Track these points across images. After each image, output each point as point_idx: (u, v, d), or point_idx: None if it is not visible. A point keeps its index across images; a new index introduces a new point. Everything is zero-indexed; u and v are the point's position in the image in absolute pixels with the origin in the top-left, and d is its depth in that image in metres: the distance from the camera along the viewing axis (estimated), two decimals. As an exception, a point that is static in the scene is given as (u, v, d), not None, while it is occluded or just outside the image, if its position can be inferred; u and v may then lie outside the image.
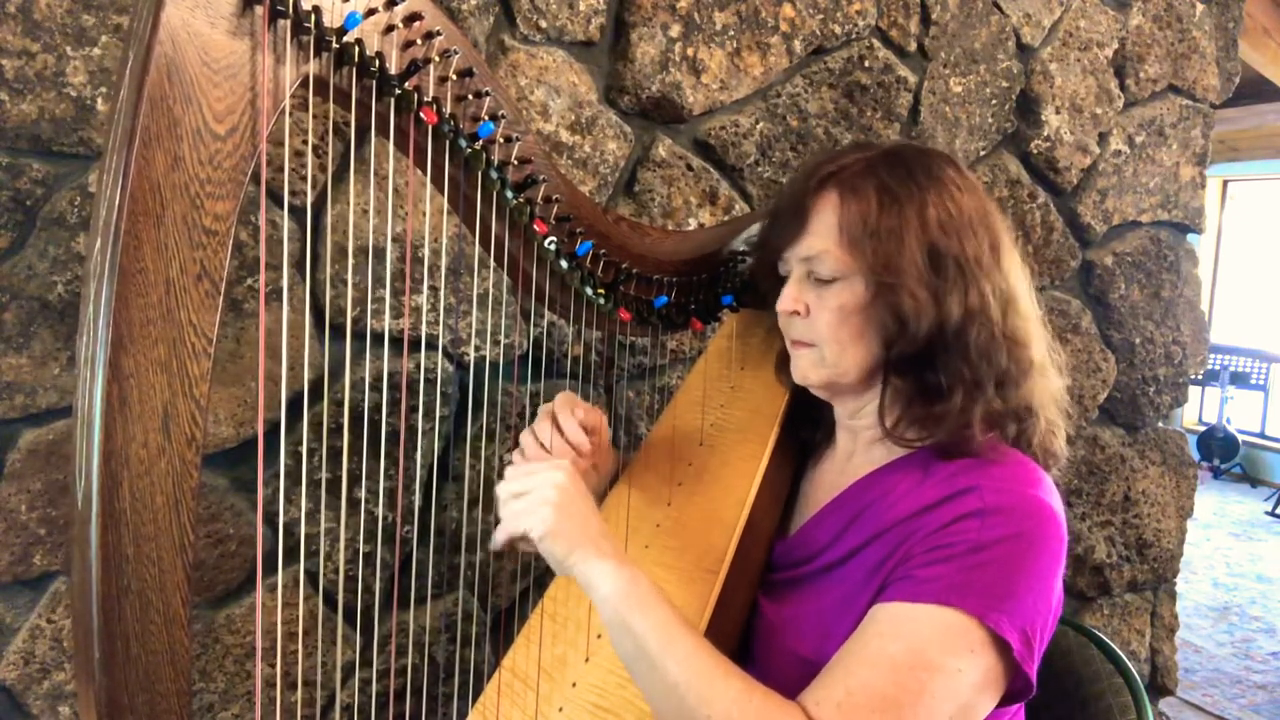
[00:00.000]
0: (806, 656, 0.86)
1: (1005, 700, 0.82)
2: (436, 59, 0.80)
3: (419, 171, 0.84)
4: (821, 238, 0.89)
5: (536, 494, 0.81)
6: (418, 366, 1.41)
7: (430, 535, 1.45)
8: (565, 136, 1.47)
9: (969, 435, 0.86)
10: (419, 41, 0.78)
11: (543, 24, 1.43)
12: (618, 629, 0.79)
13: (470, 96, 0.84)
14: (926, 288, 0.85)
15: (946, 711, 0.76)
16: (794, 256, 0.92)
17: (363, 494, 1.39)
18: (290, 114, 1.26)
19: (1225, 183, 6.60)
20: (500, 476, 0.86)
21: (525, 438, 1.01)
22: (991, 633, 0.77)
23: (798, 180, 0.94)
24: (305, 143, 1.30)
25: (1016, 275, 0.91)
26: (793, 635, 0.90)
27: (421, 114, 0.80)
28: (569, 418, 1.01)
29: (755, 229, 1.08)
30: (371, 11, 0.75)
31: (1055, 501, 0.84)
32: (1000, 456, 0.87)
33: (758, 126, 1.63)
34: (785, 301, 0.92)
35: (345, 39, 0.73)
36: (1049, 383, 0.92)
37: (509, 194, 0.90)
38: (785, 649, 0.89)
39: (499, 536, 0.83)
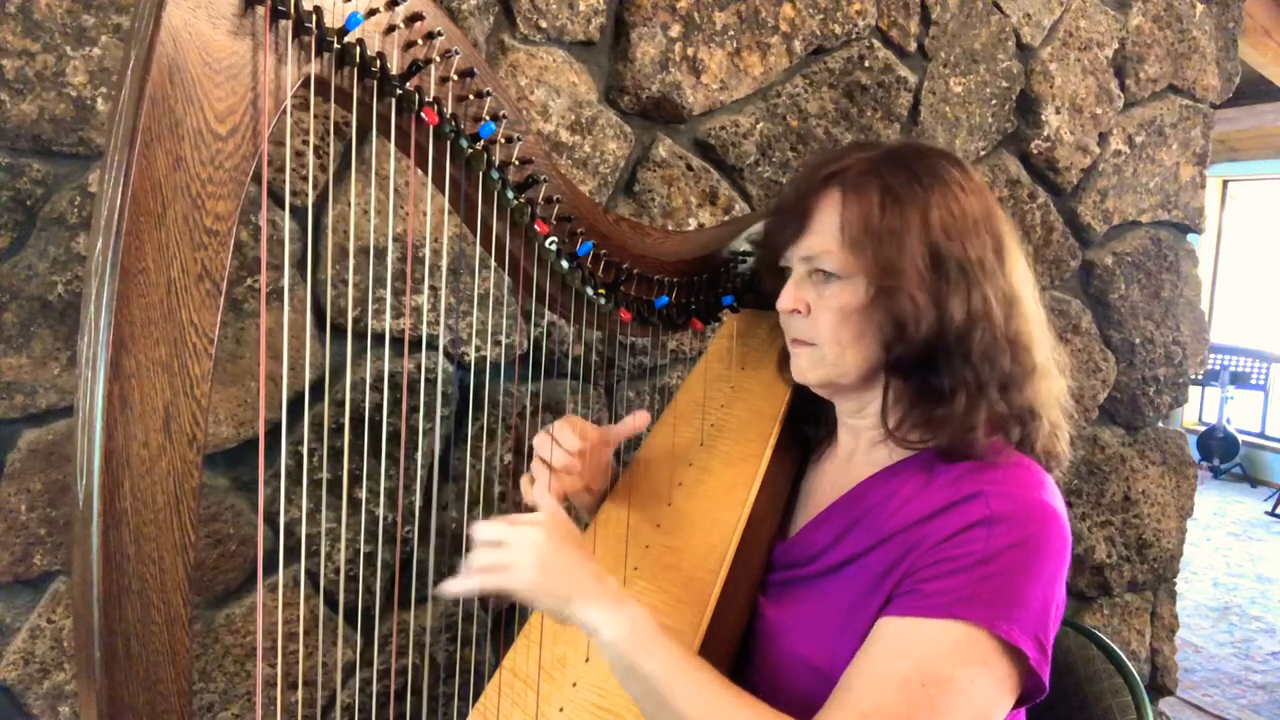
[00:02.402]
0: (808, 660, 0.86)
1: (1019, 702, 0.82)
2: (438, 59, 0.80)
3: (420, 172, 0.84)
4: (823, 237, 0.88)
5: (516, 552, 0.79)
6: (418, 366, 1.41)
7: (430, 535, 1.45)
8: (565, 136, 1.47)
9: (973, 438, 0.85)
10: (420, 42, 0.78)
11: (543, 24, 1.43)
12: (623, 673, 0.79)
13: (471, 97, 0.84)
14: (927, 290, 0.85)
15: None
16: (795, 255, 0.91)
17: (363, 494, 1.39)
18: (290, 114, 1.26)
19: (1225, 183, 6.60)
20: (500, 481, 0.85)
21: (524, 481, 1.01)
22: (1003, 641, 0.77)
23: (801, 179, 0.94)
24: (306, 143, 1.30)
25: (1021, 277, 0.90)
26: (793, 637, 0.89)
27: (423, 114, 0.80)
28: (563, 431, 1.01)
29: (758, 228, 1.07)
30: (373, 12, 0.75)
31: (1059, 504, 0.84)
32: (1003, 459, 0.87)
33: (758, 126, 1.63)
34: (785, 300, 0.92)
35: (346, 39, 0.73)
36: (1052, 385, 0.91)
37: (510, 194, 0.89)
38: (786, 651, 0.89)
39: (468, 585, 0.80)
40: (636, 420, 1.03)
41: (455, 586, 0.80)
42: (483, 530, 0.81)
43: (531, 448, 1.01)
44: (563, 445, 1.00)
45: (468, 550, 0.80)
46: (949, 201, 0.87)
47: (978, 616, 0.77)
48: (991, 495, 0.82)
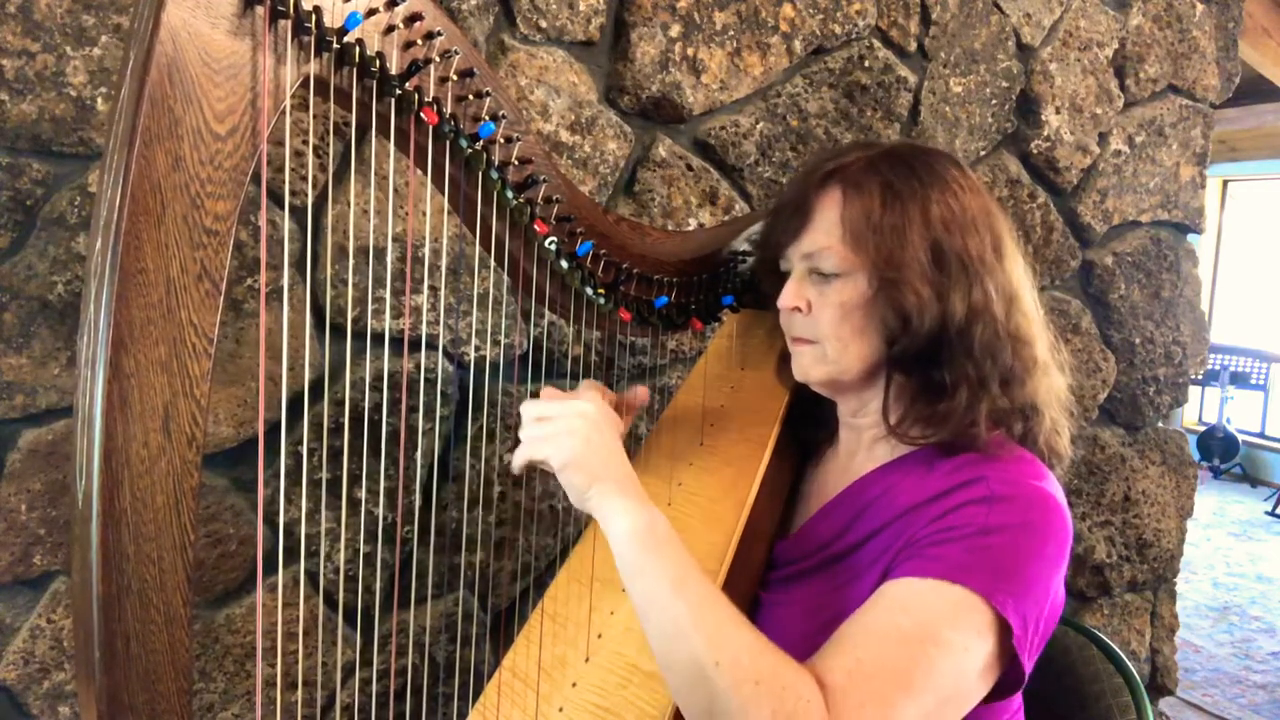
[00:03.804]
0: (810, 648, 0.86)
1: (996, 691, 0.82)
2: (437, 59, 0.80)
3: (419, 172, 0.84)
4: (824, 234, 0.89)
5: (562, 421, 0.80)
6: (418, 366, 1.41)
7: (430, 535, 1.45)
8: (565, 136, 1.47)
9: (974, 433, 0.86)
10: (420, 42, 0.78)
11: (543, 24, 1.43)
12: (631, 569, 0.77)
13: (471, 97, 0.84)
14: (930, 284, 0.85)
15: (948, 686, 0.76)
16: (796, 253, 0.92)
17: (363, 494, 1.39)
18: (290, 114, 1.26)
19: (1225, 183, 6.60)
20: (500, 482, 0.86)
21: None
22: (996, 614, 0.77)
23: (800, 177, 0.94)
24: (305, 143, 1.30)
25: (1019, 274, 0.91)
26: (796, 626, 0.90)
27: (422, 114, 0.80)
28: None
29: (757, 228, 1.08)
30: (372, 12, 0.75)
31: (1060, 496, 0.84)
32: (1005, 452, 0.87)
33: (758, 126, 1.63)
34: (786, 298, 0.92)
35: (346, 39, 0.73)
36: (1053, 381, 0.92)
37: (509, 194, 0.89)
38: (787, 640, 0.89)
39: (517, 459, 0.82)
40: (639, 396, 1.03)
41: (516, 460, 0.83)
42: (528, 409, 0.83)
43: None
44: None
45: (468, 551, 0.80)
46: (948, 198, 0.87)
47: (976, 584, 0.77)
48: (993, 480, 0.82)
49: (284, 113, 0.70)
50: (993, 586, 0.77)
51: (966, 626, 0.77)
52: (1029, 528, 0.80)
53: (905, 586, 0.79)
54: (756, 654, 0.74)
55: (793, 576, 0.95)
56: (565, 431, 0.80)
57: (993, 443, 0.87)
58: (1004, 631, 0.78)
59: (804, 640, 0.86)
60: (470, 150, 0.85)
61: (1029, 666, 0.81)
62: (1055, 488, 0.85)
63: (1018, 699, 0.90)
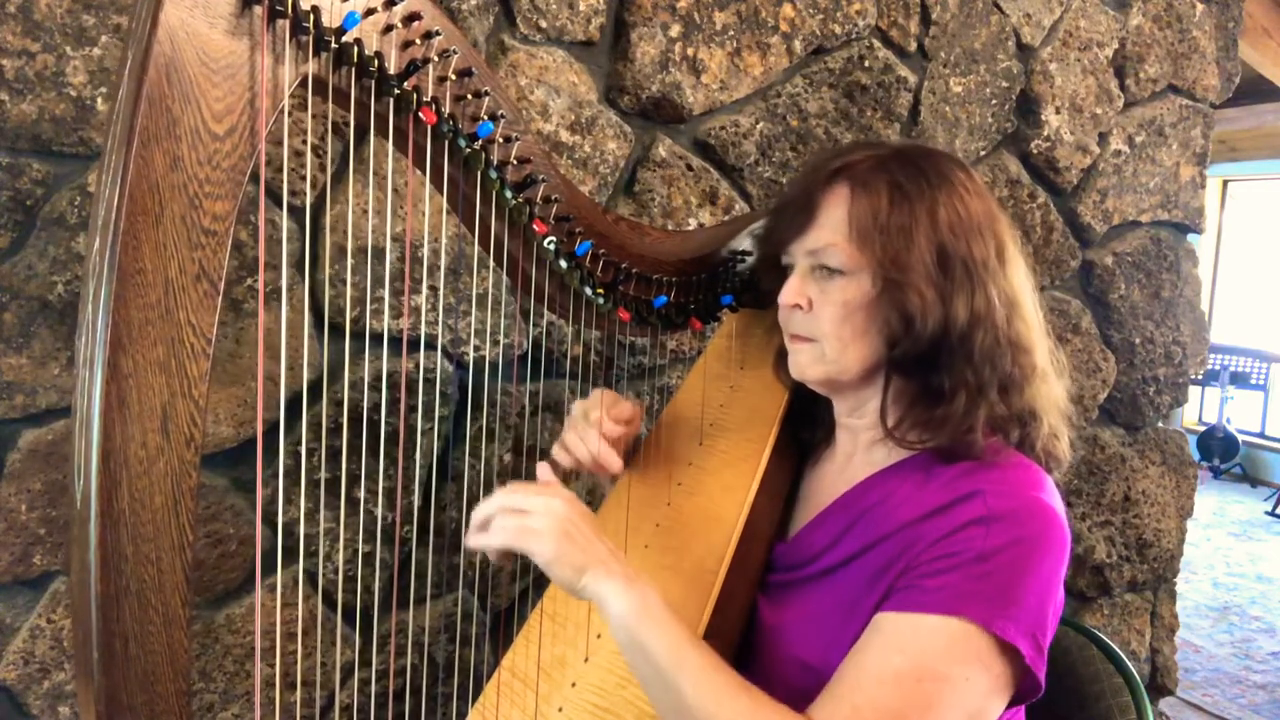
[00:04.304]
0: (808, 661, 0.86)
1: (1013, 701, 0.82)
2: (435, 59, 0.80)
3: (418, 171, 0.84)
4: (830, 231, 0.88)
5: (540, 519, 0.81)
6: (417, 366, 1.41)
7: (430, 535, 1.45)
8: (565, 136, 1.47)
9: (972, 439, 0.86)
10: (418, 41, 0.78)
11: (543, 24, 1.43)
12: (630, 647, 0.79)
13: (469, 96, 0.84)
14: (934, 287, 0.85)
15: (953, 719, 0.76)
16: (800, 250, 0.91)
17: (362, 494, 1.39)
18: (289, 114, 1.26)
19: (1225, 183, 6.59)
20: (499, 481, 0.86)
21: (559, 451, 1.02)
22: (999, 639, 0.77)
23: (806, 174, 0.94)
24: (305, 142, 1.30)
25: (1021, 280, 0.90)
26: (793, 640, 0.89)
27: (421, 114, 0.80)
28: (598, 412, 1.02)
29: (758, 226, 1.07)
30: (370, 11, 0.74)
31: (1058, 504, 0.84)
32: (1002, 459, 0.87)
33: (758, 126, 1.63)
34: (788, 294, 0.91)
35: (344, 39, 0.73)
36: (1052, 388, 0.91)
37: (508, 194, 0.89)
38: (786, 654, 0.89)
39: (492, 542, 0.82)
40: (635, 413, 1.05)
41: (478, 540, 0.83)
42: (506, 496, 0.83)
43: (536, 441, 1.02)
44: (612, 417, 1.02)
45: (467, 551, 0.80)
46: (955, 202, 0.87)
47: (975, 614, 0.77)
48: (990, 494, 0.82)
49: (283, 112, 0.70)
50: (991, 613, 0.77)
51: (966, 658, 0.77)
52: (1026, 543, 0.80)
53: (901, 622, 0.80)
54: (753, 718, 0.76)
55: (791, 584, 0.94)
56: (546, 530, 0.80)
57: (990, 449, 0.86)
58: (1011, 653, 0.78)
59: (802, 663, 0.86)
60: (469, 150, 0.85)
61: (1043, 677, 0.81)
62: (1052, 495, 0.85)
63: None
